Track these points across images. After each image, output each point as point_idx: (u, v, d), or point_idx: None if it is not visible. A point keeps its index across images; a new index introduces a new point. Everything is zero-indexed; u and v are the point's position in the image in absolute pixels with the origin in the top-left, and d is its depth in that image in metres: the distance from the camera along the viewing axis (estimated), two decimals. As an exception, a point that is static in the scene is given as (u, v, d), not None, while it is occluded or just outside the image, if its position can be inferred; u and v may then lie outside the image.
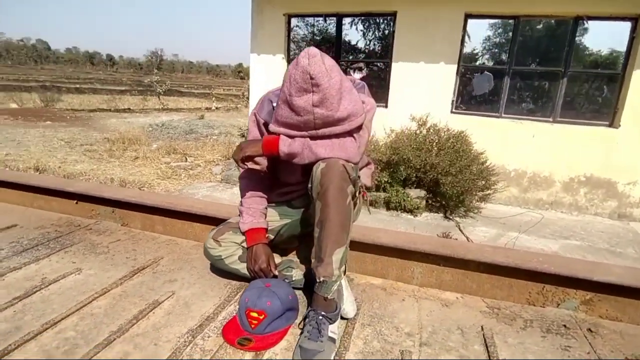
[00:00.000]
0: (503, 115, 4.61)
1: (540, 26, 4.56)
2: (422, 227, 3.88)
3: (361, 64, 5.17)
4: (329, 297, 1.22)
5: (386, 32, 5.07)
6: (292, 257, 1.68)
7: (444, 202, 4.16)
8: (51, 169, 4.71)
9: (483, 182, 4.04)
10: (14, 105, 10.67)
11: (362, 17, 5.01)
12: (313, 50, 1.20)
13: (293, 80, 1.15)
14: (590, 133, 4.31)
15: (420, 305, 1.48)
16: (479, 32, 4.86)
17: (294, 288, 1.46)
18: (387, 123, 4.84)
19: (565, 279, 1.50)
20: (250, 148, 1.31)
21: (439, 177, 3.91)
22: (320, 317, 1.18)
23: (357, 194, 1.31)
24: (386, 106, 4.93)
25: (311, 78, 1.13)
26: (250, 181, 1.53)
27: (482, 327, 1.36)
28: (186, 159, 5.71)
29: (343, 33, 5.11)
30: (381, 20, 5.02)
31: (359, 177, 1.31)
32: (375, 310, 1.42)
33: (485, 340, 1.29)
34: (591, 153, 4.29)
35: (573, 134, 4.35)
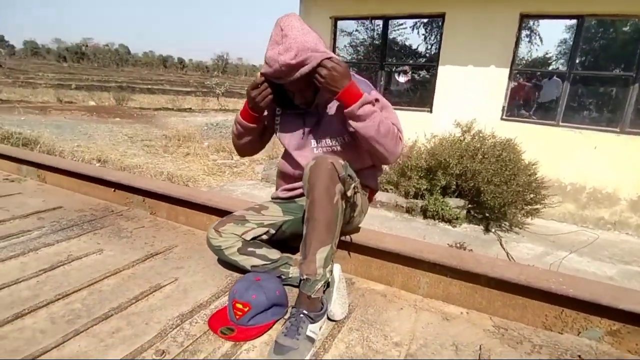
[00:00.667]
0: (561, 123, 4.23)
1: (607, 27, 4.11)
2: (459, 239, 3.68)
3: (406, 68, 5.04)
4: (312, 295, 1.21)
5: (433, 34, 4.91)
6: (291, 254, 1.69)
7: (486, 214, 3.91)
8: (112, 160, 5.18)
9: (532, 195, 3.74)
10: (92, 103, 11.92)
11: (409, 19, 4.90)
12: (295, 14, 1.27)
13: (270, 37, 1.23)
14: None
15: (418, 317, 1.41)
16: (544, 34, 4.51)
17: (290, 285, 1.47)
18: (429, 128, 4.68)
19: (588, 304, 1.34)
20: (330, 84, 1.23)
21: (480, 186, 3.69)
22: (301, 315, 1.17)
23: (350, 194, 1.29)
24: (430, 111, 4.77)
25: (281, 29, 1.20)
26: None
27: (480, 346, 1.27)
28: (232, 157, 5.97)
29: (389, 36, 5.03)
30: (428, 22, 4.88)
31: (350, 176, 1.28)
32: (368, 316, 1.38)
33: (483, 360, 1.19)
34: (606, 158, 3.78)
35: None
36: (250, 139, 1.54)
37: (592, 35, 4.07)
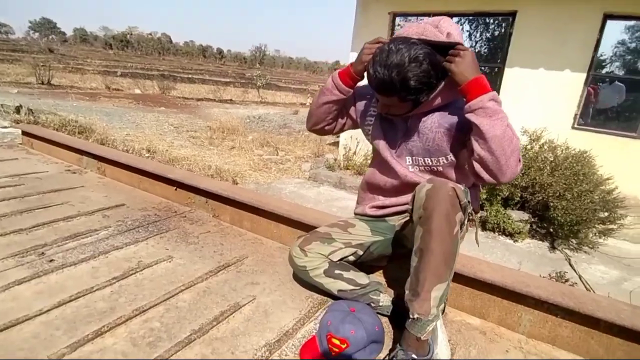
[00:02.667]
0: (642, 135, 3.84)
1: None
2: (523, 255, 3.42)
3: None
4: (422, 337, 1.05)
5: (497, 33, 4.57)
6: (380, 278, 1.54)
7: (552, 230, 3.61)
8: (160, 151, 5.22)
9: (606, 214, 3.40)
10: (137, 91, 12.25)
11: (472, 17, 4.59)
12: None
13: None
14: None
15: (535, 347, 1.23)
16: (612, 36, 4.09)
17: (379, 314, 1.32)
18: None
19: None
20: (460, 68, 1.11)
21: (549, 200, 3.39)
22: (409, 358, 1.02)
23: (465, 222, 1.12)
24: (492, 115, 4.46)
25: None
26: None
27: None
28: (277, 152, 5.90)
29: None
30: (493, 21, 4.54)
31: (469, 202, 1.11)
32: (471, 358, 1.21)
33: None
34: None
35: None
36: (332, 107, 1.40)
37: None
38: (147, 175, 2.39)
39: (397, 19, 4.92)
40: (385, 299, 1.32)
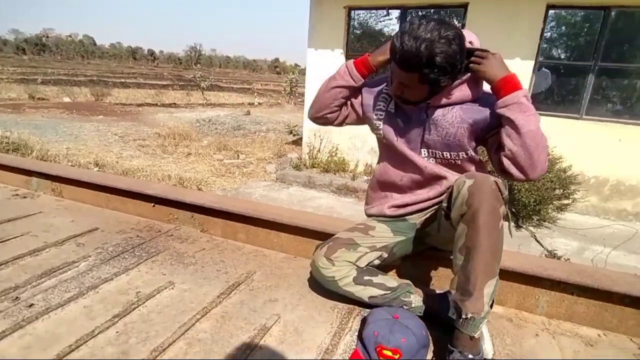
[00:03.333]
0: (584, 116, 4.20)
1: (632, 18, 4.07)
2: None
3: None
4: (475, 336, 1.04)
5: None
6: (399, 278, 1.51)
7: (514, 210, 3.84)
8: (109, 164, 4.79)
9: (561, 190, 3.69)
10: (67, 99, 11.15)
11: (429, 9, 4.72)
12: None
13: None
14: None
15: (560, 344, 1.27)
16: (555, 24, 4.43)
17: (412, 316, 1.28)
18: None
19: None
20: (490, 69, 1.14)
21: (512, 184, 3.60)
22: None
23: (506, 215, 1.11)
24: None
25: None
26: None
27: (646, 377, 1.13)
28: (238, 156, 5.68)
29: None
30: (448, 13, 4.72)
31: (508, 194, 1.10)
32: (509, 347, 1.23)
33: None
34: None
35: None
36: (340, 92, 1.36)
37: (617, 27, 4.02)
38: (117, 192, 2.15)
39: (353, 13, 4.94)
40: (416, 299, 1.29)
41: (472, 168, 1.30)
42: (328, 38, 4.93)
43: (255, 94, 16.46)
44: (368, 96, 1.39)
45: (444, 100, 1.22)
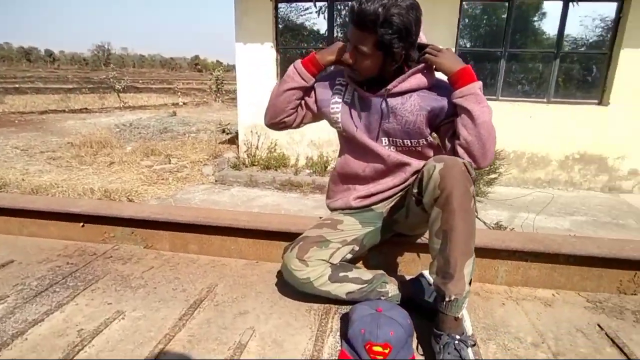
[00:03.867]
0: (500, 98, 4.60)
1: (525, 9, 4.52)
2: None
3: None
4: (459, 316, 1.05)
5: None
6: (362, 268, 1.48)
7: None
8: (13, 182, 4.14)
9: (489, 167, 4.01)
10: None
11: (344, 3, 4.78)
12: None
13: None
14: (581, 112, 4.41)
15: (524, 308, 1.35)
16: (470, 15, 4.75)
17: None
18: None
19: None
20: (447, 60, 1.18)
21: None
22: (457, 342, 1.01)
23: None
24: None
25: None
26: None
27: (598, 325, 1.25)
28: (169, 160, 5.27)
29: (337, 20, 4.85)
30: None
31: None
32: (483, 320, 1.27)
33: (613, 341, 1.17)
34: (584, 131, 4.39)
35: (566, 113, 4.42)
36: (293, 94, 1.31)
37: (520, 16, 4.44)
38: (33, 215, 1.84)
39: (280, 6, 4.81)
40: (392, 288, 1.28)
41: (432, 153, 1.30)
42: (256, 32, 4.76)
43: (179, 93, 15.48)
44: (321, 91, 1.35)
45: (401, 87, 1.21)
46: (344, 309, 1.29)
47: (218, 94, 14.64)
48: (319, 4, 4.71)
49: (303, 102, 1.36)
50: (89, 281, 1.45)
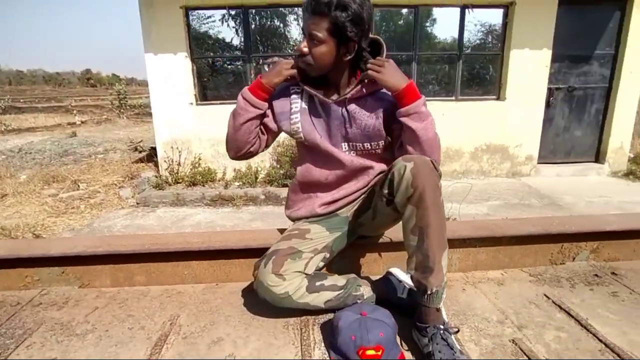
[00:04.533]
0: (416, 98, 4.99)
1: (433, 15, 5.00)
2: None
3: (275, 58, 4.91)
4: (440, 307, 1.10)
5: (294, 23, 4.93)
6: (331, 271, 1.48)
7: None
8: None
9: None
10: None
11: (270, 10, 4.76)
12: None
13: None
14: (484, 107, 4.98)
15: (482, 291, 1.47)
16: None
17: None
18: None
19: (578, 235, 1.66)
20: (390, 77, 1.17)
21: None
22: (442, 332, 1.05)
23: None
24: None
25: None
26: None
27: (545, 295, 1.42)
28: (78, 186, 4.66)
29: (253, 26, 4.78)
30: (290, 12, 4.86)
31: None
32: (452, 307, 1.35)
33: (560, 307, 1.33)
34: (488, 124, 4.97)
35: (472, 109, 4.96)
36: (251, 125, 1.29)
37: (425, 22, 4.89)
38: None
39: (191, 14, 4.59)
40: (366, 290, 1.29)
41: (389, 154, 1.35)
42: (167, 41, 4.47)
43: (75, 112, 13.84)
44: (277, 104, 1.32)
45: (358, 93, 1.24)
46: (321, 318, 1.27)
47: (121, 110, 13.45)
48: (232, 10, 4.61)
49: (262, 126, 1.33)
50: (19, 337, 1.21)
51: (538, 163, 5.18)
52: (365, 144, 1.29)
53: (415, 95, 1.17)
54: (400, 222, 1.18)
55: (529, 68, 4.84)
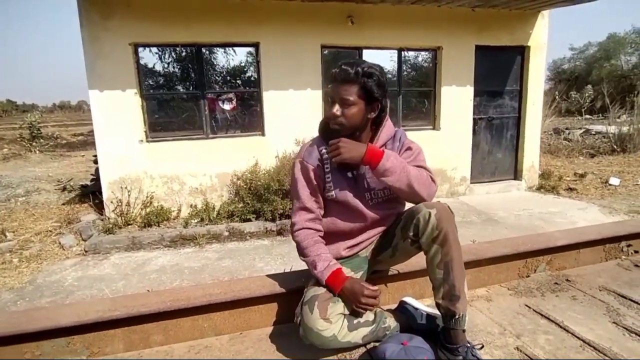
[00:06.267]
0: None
1: (376, 56, 5.48)
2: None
3: (230, 95, 4.94)
4: (465, 328, 1.28)
5: (249, 62, 5.03)
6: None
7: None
8: None
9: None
10: None
11: (221, 48, 4.82)
12: None
13: None
14: (424, 136, 5.40)
15: (477, 308, 1.69)
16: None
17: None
18: (266, 151, 4.88)
19: (538, 251, 1.99)
20: (350, 154, 1.31)
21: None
22: (473, 350, 1.24)
23: None
24: (263, 134, 4.92)
25: None
26: (307, 233, 1.44)
27: (526, 305, 1.69)
28: (5, 235, 4.11)
29: (205, 63, 4.77)
30: (244, 52, 4.97)
31: None
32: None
33: (541, 314, 1.61)
34: (428, 151, 5.26)
35: (414, 138, 5.29)
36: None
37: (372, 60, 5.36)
38: None
39: (141, 50, 4.45)
40: (391, 321, 1.43)
41: (401, 199, 1.53)
42: (114, 77, 4.27)
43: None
44: (317, 175, 1.42)
45: (378, 143, 1.43)
46: (355, 353, 1.37)
47: (33, 143, 12.06)
48: (184, 48, 4.60)
49: (319, 198, 1.46)
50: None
51: (471, 183, 5.87)
52: (385, 191, 1.46)
53: (376, 156, 1.31)
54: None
55: (458, 102, 5.56)
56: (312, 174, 1.42)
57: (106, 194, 4.53)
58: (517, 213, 4.86)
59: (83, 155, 11.64)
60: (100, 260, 3.75)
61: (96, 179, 5.36)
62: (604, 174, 6.47)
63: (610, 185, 5.83)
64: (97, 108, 4.32)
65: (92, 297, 2.98)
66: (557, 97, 9.08)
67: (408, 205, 1.49)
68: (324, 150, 1.43)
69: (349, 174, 1.44)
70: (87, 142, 13.94)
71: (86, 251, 3.87)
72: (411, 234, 1.34)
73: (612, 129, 8.55)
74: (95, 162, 4.86)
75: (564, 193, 5.77)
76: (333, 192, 1.43)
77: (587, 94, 12.44)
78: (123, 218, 4.44)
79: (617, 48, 19.63)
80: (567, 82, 15.18)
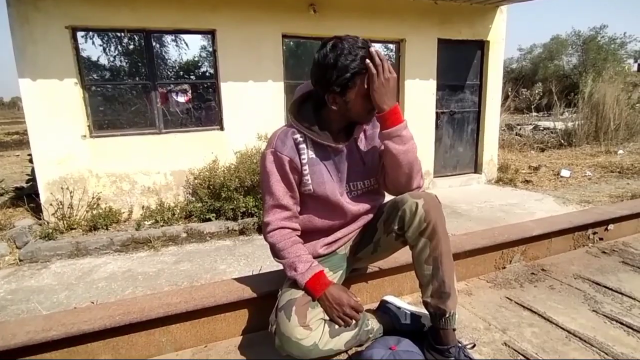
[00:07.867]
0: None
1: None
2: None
3: (185, 86, 4.60)
4: (455, 326, 1.18)
5: (205, 50, 4.70)
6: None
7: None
8: None
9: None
10: None
11: (173, 34, 4.46)
12: None
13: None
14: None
15: (459, 302, 1.56)
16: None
17: (376, 339, 1.30)
18: (226, 146, 4.62)
19: (512, 242, 1.96)
20: (392, 92, 1.18)
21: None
22: (464, 349, 1.14)
23: None
24: (222, 128, 4.63)
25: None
26: (283, 233, 1.27)
27: (507, 297, 1.64)
28: None
29: (156, 51, 4.40)
30: (200, 39, 4.63)
31: None
32: (443, 324, 1.45)
33: (522, 306, 1.56)
34: None
35: None
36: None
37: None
38: None
39: (80, 35, 4.01)
40: (373, 323, 1.31)
41: (380, 189, 1.40)
42: (49, 65, 3.80)
43: None
44: (293, 163, 1.22)
45: (361, 131, 1.29)
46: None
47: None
48: (132, 34, 4.20)
49: (295, 191, 1.27)
50: None
51: (434, 177, 5.94)
52: (365, 182, 1.32)
53: (398, 118, 1.18)
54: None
55: (421, 95, 5.59)
56: (287, 166, 1.22)
57: (44, 196, 4.05)
58: (479, 205, 4.97)
59: (18, 155, 10.70)
60: (39, 269, 3.34)
61: (32, 179, 4.84)
62: (555, 166, 6.84)
63: (561, 177, 6.15)
64: (29, 99, 3.84)
65: (28, 312, 2.63)
66: (509, 94, 9.50)
67: (388, 197, 1.37)
68: (299, 138, 1.24)
69: (332, 165, 1.27)
70: (23, 142, 12.85)
71: (21, 260, 3.43)
72: (396, 227, 1.21)
73: (559, 124, 9.11)
74: (31, 161, 4.36)
75: (520, 185, 6.01)
76: (311, 186, 1.25)
77: (536, 91, 13.18)
78: (65, 222, 4.00)
79: (560, 49, 21.01)
80: (515, 81, 16.01)
